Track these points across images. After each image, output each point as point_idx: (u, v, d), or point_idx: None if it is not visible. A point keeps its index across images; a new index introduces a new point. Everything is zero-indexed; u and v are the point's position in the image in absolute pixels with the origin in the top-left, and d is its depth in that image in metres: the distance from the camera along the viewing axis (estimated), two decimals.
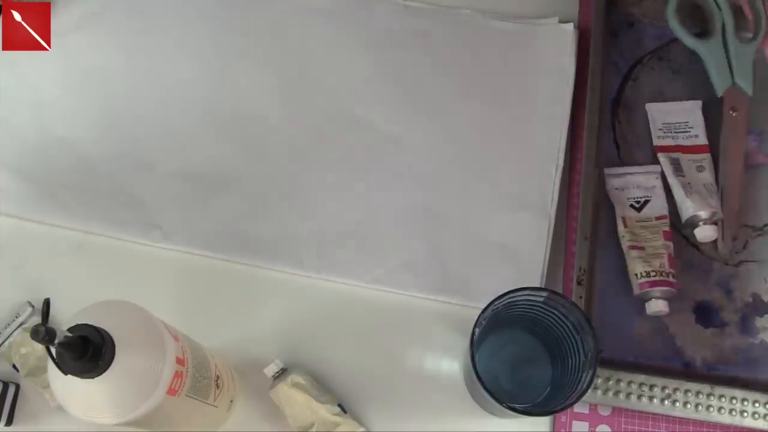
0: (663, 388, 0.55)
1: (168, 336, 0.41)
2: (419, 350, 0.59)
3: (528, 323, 0.54)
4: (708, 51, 0.63)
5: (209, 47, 0.67)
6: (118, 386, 0.38)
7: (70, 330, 0.37)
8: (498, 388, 0.50)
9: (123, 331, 0.39)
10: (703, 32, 0.66)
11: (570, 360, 0.51)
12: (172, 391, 0.41)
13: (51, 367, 0.37)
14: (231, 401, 0.54)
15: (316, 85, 0.65)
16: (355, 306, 0.60)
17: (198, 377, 0.45)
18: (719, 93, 0.63)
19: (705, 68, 0.64)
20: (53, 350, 0.36)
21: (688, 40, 0.64)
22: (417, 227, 0.61)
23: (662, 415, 0.56)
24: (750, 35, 0.65)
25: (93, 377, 0.37)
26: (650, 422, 0.57)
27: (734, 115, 0.62)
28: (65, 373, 0.36)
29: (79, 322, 0.38)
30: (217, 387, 0.49)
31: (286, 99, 0.65)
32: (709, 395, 0.55)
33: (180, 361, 0.42)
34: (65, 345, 0.35)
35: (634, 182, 0.62)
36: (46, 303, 0.37)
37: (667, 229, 0.60)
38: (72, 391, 0.38)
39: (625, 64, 0.67)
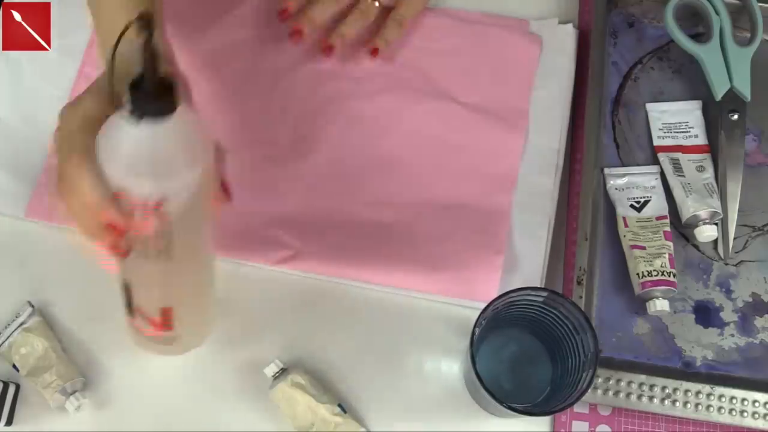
0: (663, 388, 0.55)
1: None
2: (419, 350, 0.59)
3: (528, 323, 0.54)
4: (706, 55, 0.63)
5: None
6: (185, 133, 0.37)
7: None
8: (498, 388, 0.50)
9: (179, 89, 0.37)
10: (701, 36, 0.66)
11: (570, 360, 0.51)
12: (207, 175, 0.40)
13: (114, 122, 0.36)
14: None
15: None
16: (356, 306, 0.60)
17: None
18: (718, 97, 0.63)
19: (703, 72, 0.64)
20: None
21: (687, 45, 0.64)
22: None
23: (662, 415, 0.56)
24: (747, 38, 0.65)
25: (168, 115, 0.36)
26: (650, 422, 0.57)
27: (733, 117, 0.62)
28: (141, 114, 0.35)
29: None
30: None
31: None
32: (709, 395, 0.55)
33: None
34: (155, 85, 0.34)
35: (634, 182, 0.62)
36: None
37: (667, 229, 0.60)
38: (139, 140, 0.36)
39: (625, 64, 0.67)
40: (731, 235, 0.61)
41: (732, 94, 0.63)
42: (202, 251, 0.46)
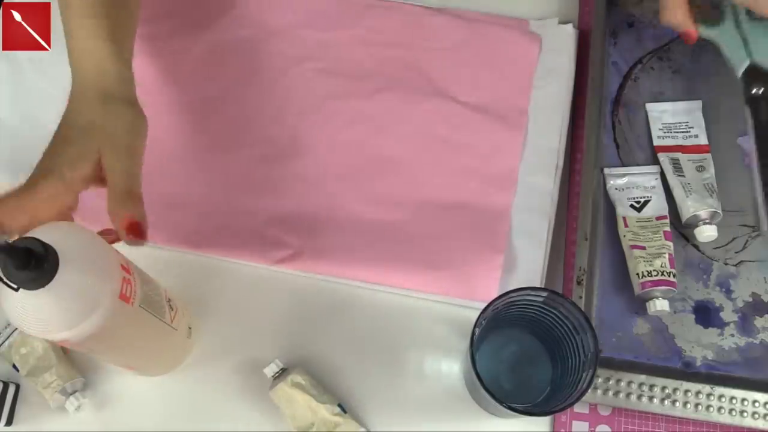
0: (663, 388, 0.55)
1: (109, 247, 0.42)
2: (419, 350, 0.59)
3: (528, 323, 0.54)
4: (721, 35, 0.60)
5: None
6: (68, 294, 0.38)
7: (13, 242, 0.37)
8: (498, 388, 0.50)
9: (66, 242, 0.38)
10: (713, 20, 0.64)
11: (570, 360, 0.51)
12: (124, 297, 0.41)
13: (2, 288, 0.37)
14: (189, 328, 0.56)
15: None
16: (355, 306, 0.60)
17: (148, 292, 0.46)
18: (739, 73, 0.58)
19: (721, 54, 0.59)
20: None
21: (700, 29, 0.62)
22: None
23: (662, 415, 0.56)
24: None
25: (42, 286, 0.37)
26: (650, 422, 0.57)
27: (759, 92, 0.59)
28: (17, 286, 0.36)
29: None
30: (171, 308, 0.50)
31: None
32: (709, 395, 0.55)
33: (126, 269, 0.43)
34: (7, 251, 0.35)
35: (634, 182, 0.62)
36: None
37: (667, 229, 0.60)
38: (25, 308, 0.38)
39: (625, 64, 0.67)
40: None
41: (752, 69, 0.58)
42: (145, 330, 0.48)
